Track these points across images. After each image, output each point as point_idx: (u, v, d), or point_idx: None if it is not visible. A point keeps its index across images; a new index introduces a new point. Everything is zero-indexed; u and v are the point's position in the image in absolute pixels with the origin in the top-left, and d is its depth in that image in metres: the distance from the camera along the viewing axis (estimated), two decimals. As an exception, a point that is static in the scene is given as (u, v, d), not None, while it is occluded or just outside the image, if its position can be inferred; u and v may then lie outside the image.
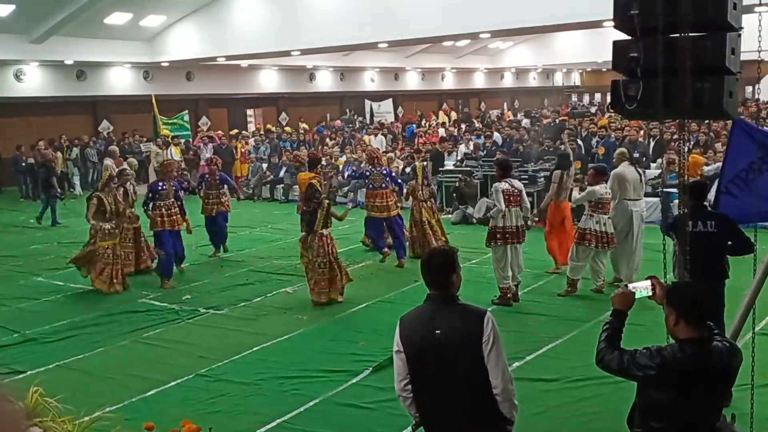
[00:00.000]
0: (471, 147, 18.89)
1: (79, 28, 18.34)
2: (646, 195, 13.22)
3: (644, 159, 14.85)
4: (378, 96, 31.32)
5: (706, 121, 14.87)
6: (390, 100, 31.54)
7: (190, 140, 21.52)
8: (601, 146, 15.84)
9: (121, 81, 22.70)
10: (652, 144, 15.91)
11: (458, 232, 13.07)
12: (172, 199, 10.02)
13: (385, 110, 31.01)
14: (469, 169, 15.76)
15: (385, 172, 11.16)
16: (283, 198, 18.03)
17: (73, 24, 17.74)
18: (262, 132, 23.80)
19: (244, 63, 24.06)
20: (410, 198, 11.52)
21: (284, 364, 6.95)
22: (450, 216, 14.68)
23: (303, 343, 7.65)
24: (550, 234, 10.13)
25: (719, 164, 9.01)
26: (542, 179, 14.10)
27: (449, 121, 29.21)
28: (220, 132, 22.73)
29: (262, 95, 27.45)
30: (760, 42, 4.29)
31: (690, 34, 4.06)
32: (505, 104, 36.94)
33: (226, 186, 12.08)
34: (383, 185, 11.00)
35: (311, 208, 8.78)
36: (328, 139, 23.47)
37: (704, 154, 14.05)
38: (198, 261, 11.37)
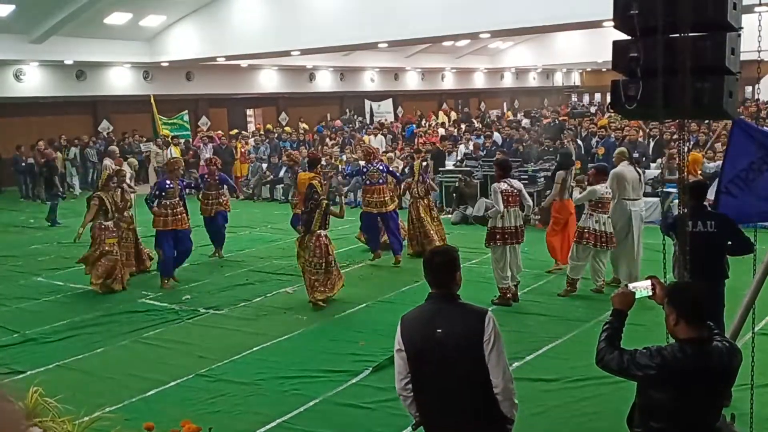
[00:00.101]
0: (471, 147, 18.90)
1: (79, 28, 18.34)
2: (646, 195, 13.26)
3: (644, 159, 14.86)
4: (378, 96, 31.32)
5: (706, 121, 14.88)
6: (390, 100, 31.55)
7: (190, 140, 21.51)
8: (601, 146, 15.85)
9: (121, 81, 22.70)
10: (651, 144, 15.92)
11: (458, 232, 13.07)
12: (177, 198, 9.99)
13: (385, 110, 31.02)
14: (469, 169, 15.76)
15: (381, 167, 11.21)
16: (283, 198, 18.02)
17: (73, 24, 17.75)
18: (261, 132, 23.80)
19: (243, 63, 24.07)
20: (407, 195, 11.57)
21: (284, 364, 6.95)
22: (450, 216, 14.69)
23: (303, 343, 7.65)
24: (552, 231, 10.13)
25: (720, 162, 9.01)
26: (542, 179, 14.10)
27: (449, 121, 29.21)
28: (219, 132, 22.73)
29: (262, 95, 27.46)
30: (760, 42, 4.29)
31: (690, 34, 4.06)
32: (504, 104, 36.95)
33: (225, 186, 12.09)
34: (380, 180, 11.06)
35: (309, 208, 8.78)
36: (328, 139, 23.47)
37: (704, 153, 14.04)
38: (198, 261, 11.36)
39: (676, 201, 9.02)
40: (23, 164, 19.74)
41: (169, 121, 20.34)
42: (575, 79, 42.47)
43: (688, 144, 5.64)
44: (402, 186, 11.72)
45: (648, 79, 4.20)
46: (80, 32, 18.76)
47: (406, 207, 11.71)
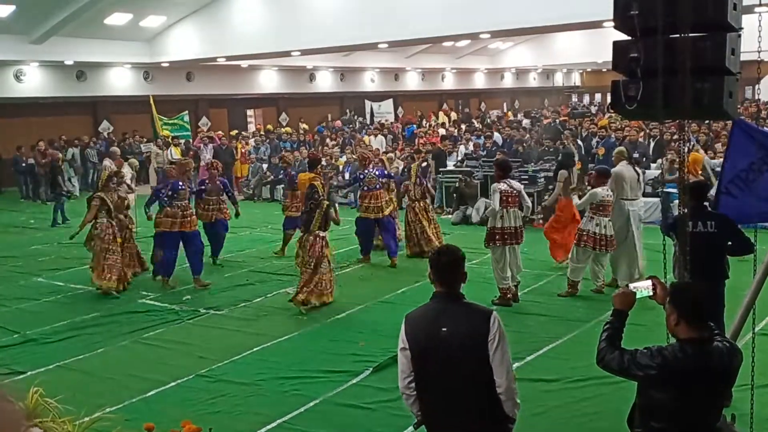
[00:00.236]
0: (471, 147, 18.90)
1: (79, 29, 18.34)
2: (647, 195, 13.26)
3: (644, 159, 14.86)
4: (378, 96, 31.33)
5: (706, 122, 14.88)
6: (390, 100, 31.55)
7: (191, 141, 21.51)
8: (601, 146, 15.85)
9: (121, 81, 22.70)
10: (652, 144, 15.91)
11: (458, 232, 13.07)
12: (187, 201, 9.95)
13: (385, 110, 31.02)
14: (469, 169, 15.77)
15: (377, 172, 11.24)
16: (284, 198, 18.00)
17: (73, 24, 17.74)
18: (262, 132, 23.80)
19: (244, 63, 24.07)
20: (405, 197, 11.63)
21: (284, 365, 6.95)
22: (450, 216, 14.70)
23: (303, 343, 7.66)
24: (551, 228, 10.14)
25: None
26: (542, 179, 14.11)
27: (449, 122, 29.21)
28: (220, 132, 22.73)
29: (262, 96, 27.46)
30: (760, 42, 4.30)
31: (690, 35, 4.06)
32: (504, 104, 36.96)
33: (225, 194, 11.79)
34: (377, 186, 11.09)
35: (309, 207, 8.76)
36: (328, 140, 23.47)
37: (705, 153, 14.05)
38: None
39: (676, 201, 9.03)
40: (23, 165, 19.74)
41: (170, 122, 20.34)
42: (575, 79, 42.47)
43: (688, 144, 5.63)
44: (401, 188, 11.77)
45: (648, 80, 4.20)
46: (80, 33, 18.76)
47: (404, 208, 11.71)
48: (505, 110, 34.56)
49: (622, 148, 10.32)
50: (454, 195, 15.09)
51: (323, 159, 15.85)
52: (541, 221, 12.83)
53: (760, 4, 5.64)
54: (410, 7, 15.91)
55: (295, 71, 27.33)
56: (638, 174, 9.27)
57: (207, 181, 11.24)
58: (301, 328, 8.10)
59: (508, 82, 38.11)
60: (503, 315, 8.01)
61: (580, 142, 16.94)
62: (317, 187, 8.79)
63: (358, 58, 26.03)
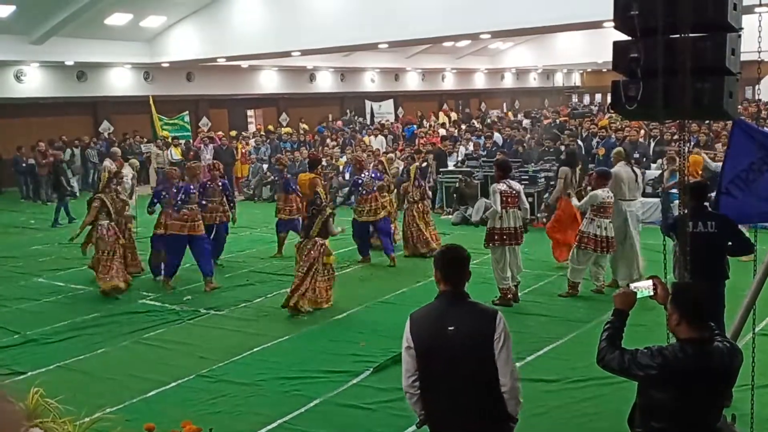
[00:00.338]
0: (471, 147, 18.91)
1: (79, 29, 18.35)
2: (647, 195, 13.26)
3: (644, 159, 14.86)
4: (378, 96, 31.33)
5: (707, 122, 14.87)
6: (390, 100, 31.56)
7: (191, 141, 21.52)
8: (602, 147, 15.85)
9: (121, 82, 22.71)
10: (652, 144, 15.91)
11: (458, 232, 13.07)
12: (196, 204, 9.91)
13: (385, 111, 31.03)
14: (469, 169, 15.77)
15: (373, 175, 11.31)
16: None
17: (74, 25, 17.75)
18: (262, 133, 23.80)
19: (244, 64, 24.07)
20: (405, 200, 11.69)
21: (285, 365, 6.95)
22: (450, 217, 14.70)
23: (303, 343, 7.66)
24: (553, 230, 10.14)
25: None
26: (542, 180, 14.12)
27: (449, 122, 29.21)
28: (220, 133, 22.74)
29: (263, 96, 27.46)
30: (760, 42, 4.30)
31: (690, 35, 4.07)
32: (504, 105, 36.96)
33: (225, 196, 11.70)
34: (374, 189, 11.17)
35: (311, 213, 8.72)
36: (328, 140, 23.49)
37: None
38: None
39: (677, 201, 9.04)
40: (24, 165, 19.74)
41: (170, 122, 20.36)
42: (576, 79, 42.46)
43: (688, 144, 5.64)
44: (400, 189, 11.80)
45: (648, 80, 4.20)
46: (81, 33, 18.77)
47: (403, 209, 11.75)
48: (505, 110, 34.54)
49: (620, 148, 10.33)
50: (454, 195, 15.09)
51: (323, 159, 15.85)
52: (544, 219, 12.83)
53: (760, 4, 5.64)
54: (410, 8, 15.91)
55: (295, 71, 27.34)
56: (636, 174, 9.26)
57: (209, 183, 11.15)
58: (301, 328, 8.10)
59: (509, 82, 38.11)
60: (504, 315, 8.01)
61: (580, 142, 16.93)
62: (320, 194, 8.77)
63: (358, 59, 26.04)
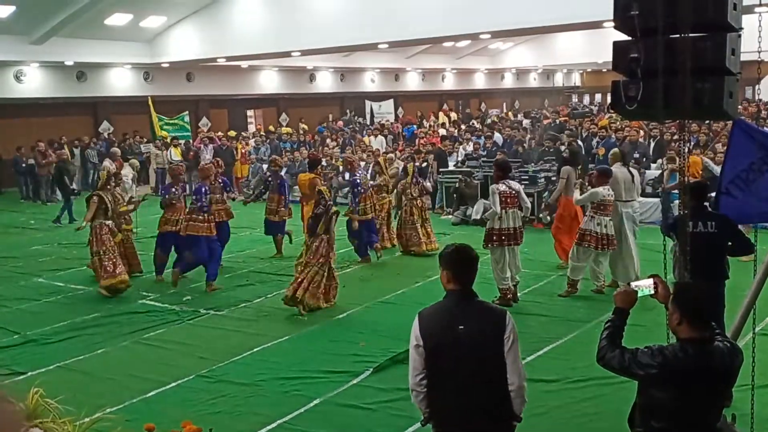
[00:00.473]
0: (471, 148, 18.91)
1: (79, 29, 18.35)
2: (647, 195, 13.26)
3: (644, 159, 14.86)
4: (378, 97, 31.33)
5: (707, 122, 14.87)
6: (391, 100, 31.55)
7: (191, 141, 21.53)
8: (602, 147, 15.85)
9: (121, 82, 22.70)
10: (652, 144, 15.91)
11: (458, 232, 13.07)
12: (211, 204, 9.94)
13: (385, 111, 31.03)
14: (469, 169, 15.77)
15: (369, 175, 11.39)
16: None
17: (74, 25, 17.75)
18: (262, 133, 23.79)
19: (244, 64, 24.07)
20: (402, 197, 11.80)
21: (285, 365, 6.95)
22: (450, 217, 14.70)
23: (303, 343, 7.66)
24: (558, 230, 10.13)
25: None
26: (542, 180, 14.12)
27: (449, 122, 29.21)
28: (220, 133, 22.75)
29: (263, 96, 27.45)
30: (760, 42, 4.30)
31: (690, 35, 4.07)
32: (504, 105, 36.95)
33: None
34: (368, 187, 11.32)
35: (315, 213, 8.76)
36: (329, 140, 23.49)
37: (703, 153, 14.03)
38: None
39: (677, 201, 9.03)
40: (24, 165, 19.74)
41: (170, 122, 20.38)
42: (576, 79, 42.44)
43: (688, 144, 5.64)
44: (398, 187, 11.86)
45: (648, 80, 4.20)
46: (81, 33, 18.77)
47: (398, 206, 11.85)
48: (504, 110, 34.53)
49: (616, 149, 10.35)
50: (455, 195, 15.09)
51: (323, 159, 15.85)
52: (548, 218, 12.82)
53: (760, 4, 5.64)
54: (410, 8, 15.91)
55: (295, 72, 27.34)
56: (633, 175, 9.26)
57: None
58: (301, 328, 8.10)
59: (509, 82, 38.11)
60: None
61: (580, 142, 16.93)
62: (324, 193, 8.80)
63: (358, 59, 26.04)
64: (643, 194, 12.41)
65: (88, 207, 9.82)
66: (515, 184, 8.83)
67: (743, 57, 4.25)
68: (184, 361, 7.14)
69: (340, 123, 28.08)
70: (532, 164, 15.40)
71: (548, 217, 12.81)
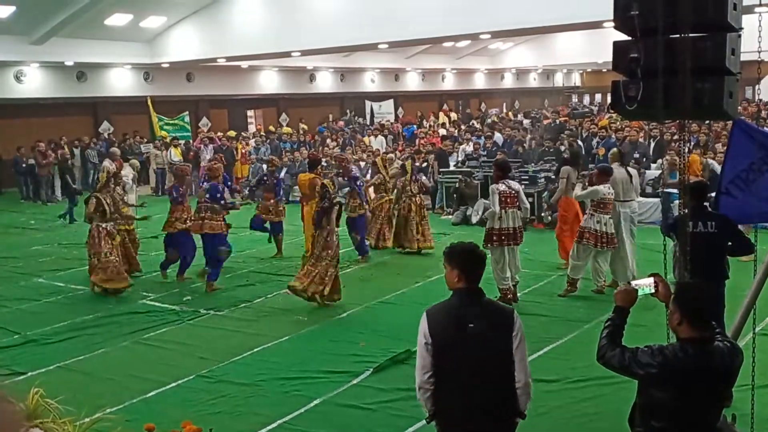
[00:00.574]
0: (471, 148, 18.91)
1: (79, 30, 18.34)
2: (647, 195, 13.26)
3: (644, 160, 14.86)
4: (378, 97, 31.32)
5: (707, 122, 14.87)
6: (391, 100, 31.54)
7: (191, 141, 21.53)
8: (602, 147, 15.86)
9: (121, 82, 22.70)
10: (652, 144, 15.91)
11: (458, 232, 13.05)
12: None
13: (385, 111, 31.02)
14: (469, 169, 15.77)
15: (365, 173, 11.46)
16: (284, 199, 17.99)
17: (74, 25, 17.74)
18: (262, 133, 23.79)
19: (244, 64, 24.06)
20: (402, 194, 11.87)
21: (285, 365, 6.95)
22: (450, 217, 14.70)
23: (303, 344, 7.66)
24: (562, 231, 10.12)
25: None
26: (542, 180, 14.12)
27: (449, 122, 29.21)
28: (220, 133, 22.74)
29: (263, 96, 27.45)
30: (760, 42, 4.30)
31: (690, 35, 4.06)
32: (504, 105, 36.94)
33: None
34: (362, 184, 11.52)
35: (321, 207, 8.78)
36: (329, 140, 23.49)
37: (705, 154, 14.04)
38: (198, 263, 11.33)
39: (677, 201, 9.03)
40: (24, 165, 19.74)
41: (170, 122, 20.38)
42: (575, 79, 42.44)
43: (688, 145, 5.64)
44: (397, 184, 11.92)
45: (648, 80, 4.20)
46: (81, 33, 18.76)
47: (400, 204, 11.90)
48: (504, 110, 34.52)
49: (615, 149, 10.36)
50: (455, 195, 15.09)
51: (323, 159, 15.86)
52: (550, 217, 12.82)
53: (760, 4, 5.64)
54: (410, 8, 15.91)
55: (295, 72, 27.33)
56: (631, 176, 9.25)
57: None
58: (301, 328, 8.10)
59: (509, 82, 38.11)
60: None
61: (580, 142, 16.93)
62: (328, 186, 8.82)
63: (358, 59, 26.03)
64: (643, 194, 12.42)
65: (87, 207, 9.83)
66: (515, 184, 8.84)
67: (743, 57, 4.25)
68: (184, 361, 7.14)
69: (341, 123, 28.08)
70: (532, 164, 15.41)
71: (549, 217, 12.81)
